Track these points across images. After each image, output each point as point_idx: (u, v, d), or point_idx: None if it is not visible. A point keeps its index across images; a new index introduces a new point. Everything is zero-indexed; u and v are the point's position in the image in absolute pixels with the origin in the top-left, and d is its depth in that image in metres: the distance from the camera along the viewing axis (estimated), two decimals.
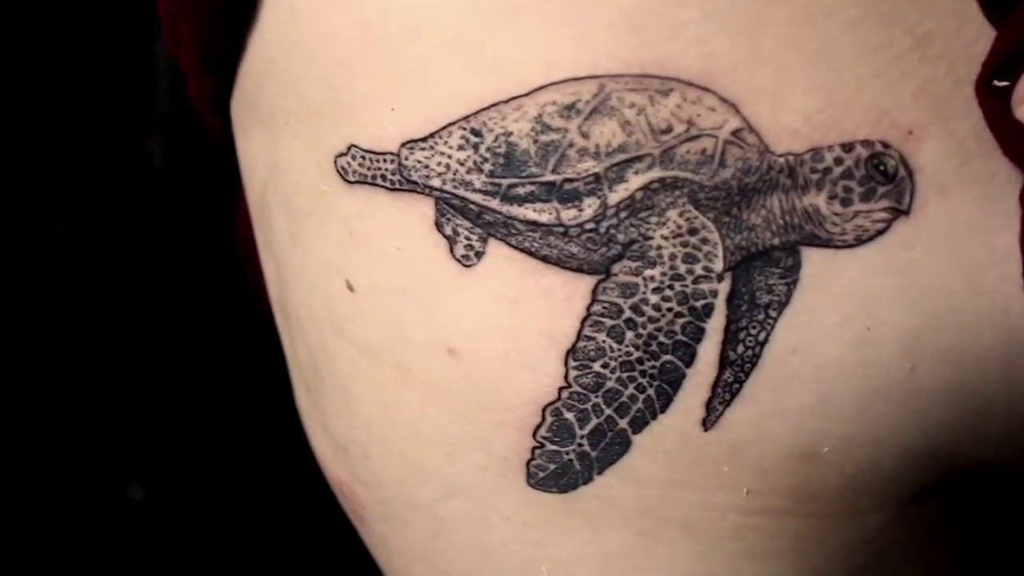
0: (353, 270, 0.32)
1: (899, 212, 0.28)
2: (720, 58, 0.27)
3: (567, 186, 0.28)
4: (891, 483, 0.33)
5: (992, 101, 0.28)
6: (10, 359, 1.05)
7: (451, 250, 0.30)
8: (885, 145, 0.28)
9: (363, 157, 0.30)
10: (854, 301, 0.29)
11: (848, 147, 0.28)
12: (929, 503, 0.34)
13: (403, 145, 0.29)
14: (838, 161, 0.28)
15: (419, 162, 0.29)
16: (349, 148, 0.30)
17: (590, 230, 0.28)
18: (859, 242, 0.29)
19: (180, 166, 0.83)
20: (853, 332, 0.29)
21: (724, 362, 0.29)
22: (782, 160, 0.28)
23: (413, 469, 0.34)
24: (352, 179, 0.30)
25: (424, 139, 0.29)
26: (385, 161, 0.29)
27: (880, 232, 0.29)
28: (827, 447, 0.31)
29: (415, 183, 0.29)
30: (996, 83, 0.28)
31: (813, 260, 0.29)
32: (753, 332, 0.29)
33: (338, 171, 0.31)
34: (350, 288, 0.32)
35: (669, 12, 0.27)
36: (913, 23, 0.28)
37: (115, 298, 1.16)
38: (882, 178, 0.28)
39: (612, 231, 0.28)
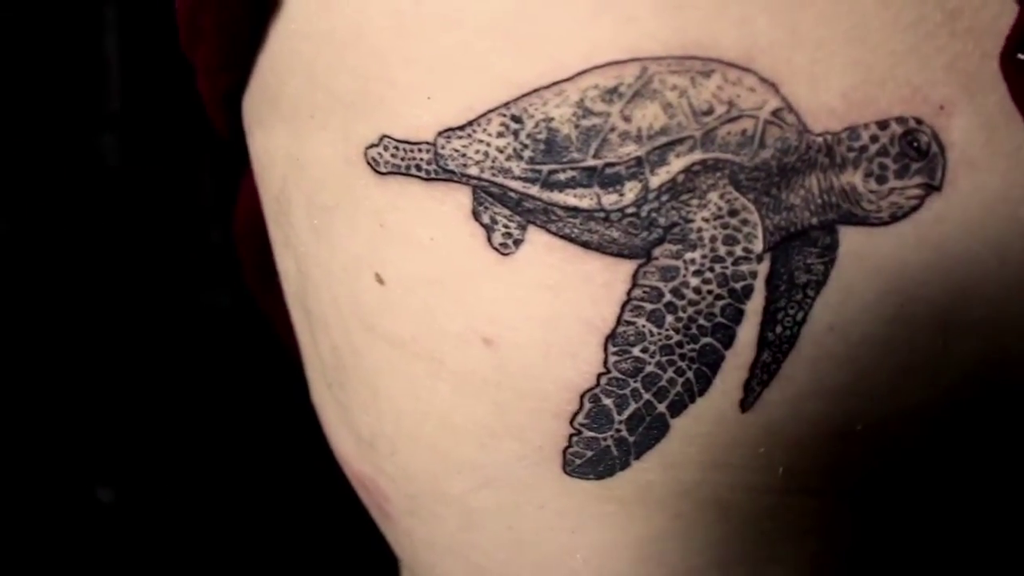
0: (384, 263, 0.31)
1: (932, 188, 0.29)
2: (760, 38, 0.27)
3: (609, 171, 0.28)
4: (919, 459, 0.33)
5: (1016, 74, 0.28)
6: None
7: (489, 239, 0.30)
8: (918, 121, 0.28)
9: (396, 147, 0.30)
10: (888, 278, 0.29)
11: (883, 124, 0.28)
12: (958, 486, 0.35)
13: (440, 134, 0.29)
14: (874, 139, 0.28)
15: (456, 151, 0.29)
16: (381, 139, 0.30)
17: (631, 214, 0.28)
18: (894, 219, 0.29)
19: (134, 164, 0.81)
20: (888, 309, 0.30)
21: (762, 343, 0.30)
22: (820, 139, 0.28)
23: (444, 461, 0.34)
24: (384, 170, 0.30)
25: (462, 127, 0.29)
26: (420, 151, 0.29)
27: (914, 208, 0.29)
28: (861, 425, 0.31)
29: (452, 172, 0.29)
30: (1020, 56, 0.28)
31: (850, 238, 0.29)
32: (791, 312, 0.29)
33: (368, 162, 0.30)
34: (380, 281, 0.32)
35: None
36: None
37: (77, 297, 1.14)
38: (915, 154, 0.28)
39: (653, 214, 0.28)
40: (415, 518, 0.37)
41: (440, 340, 0.32)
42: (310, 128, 0.32)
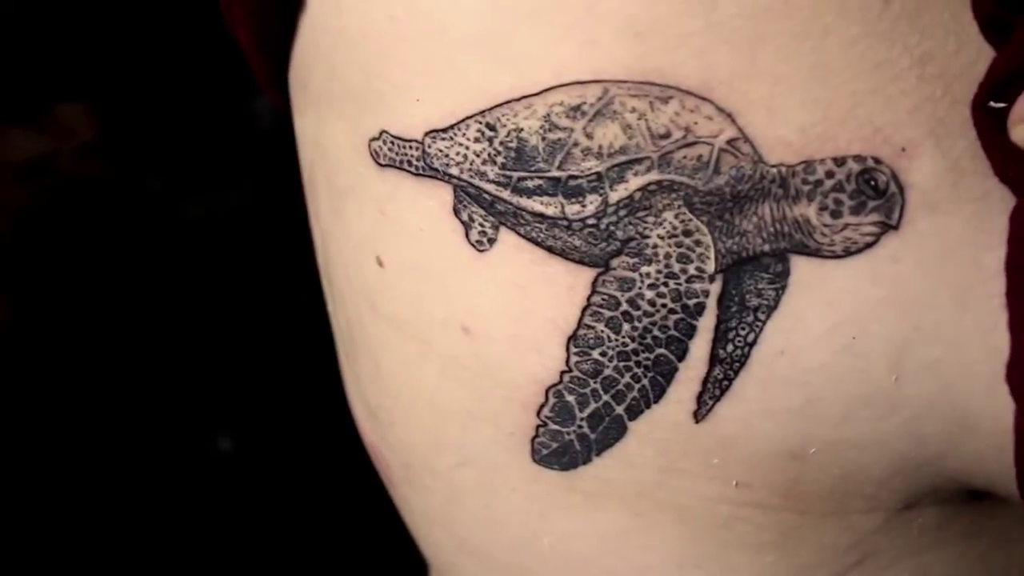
0: (383, 247, 0.34)
1: (888, 227, 0.30)
2: (719, 69, 0.29)
3: (572, 182, 0.30)
4: (881, 488, 0.34)
5: (987, 121, 0.29)
6: (104, 312, 1.10)
7: (467, 235, 0.32)
8: (877, 161, 0.29)
9: (392, 142, 0.32)
10: (841, 310, 0.30)
11: (840, 161, 0.29)
12: (923, 509, 0.36)
13: (427, 134, 0.31)
14: (829, 174, 0.29)
15: (440, 151, 0.31)
16: (381, 133, 0.32)
17: (591, 225, 0.30)
18: (847, 253, 0.30)
19: (288, 129, 0.86)
20: (839, 340, 0.31)
21: (714, 359, 0.31)
22: (775, 170, 0.29)
23: (432, 437, 0.36)
24: (383, 162, 0.33)
25: (445, 130, 0.31)
26: (411, 148, 0.32)
27: (869, 245, 0.30)
28: (814, 448, 0.32)
29: (436, 170, 0.32)
30: (992, 104, 0.29)
31: (802, 268, 0.30)
32: (742, 333, 0.31)
33: (371, 154, 0.33)
34: (380, 264, 0.34)
35: (673, 23, 0.28)
36: (912, 43, 0.29)
37: (210, 255, 1.20)
38: (872, 193, 0.29)
39: (612, 227, 0.30)
40: (410, 487, 0.39)
41: (428, 324, 0.34)
42: (330, 117, 0.35)
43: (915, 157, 0.29)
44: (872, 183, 0.29)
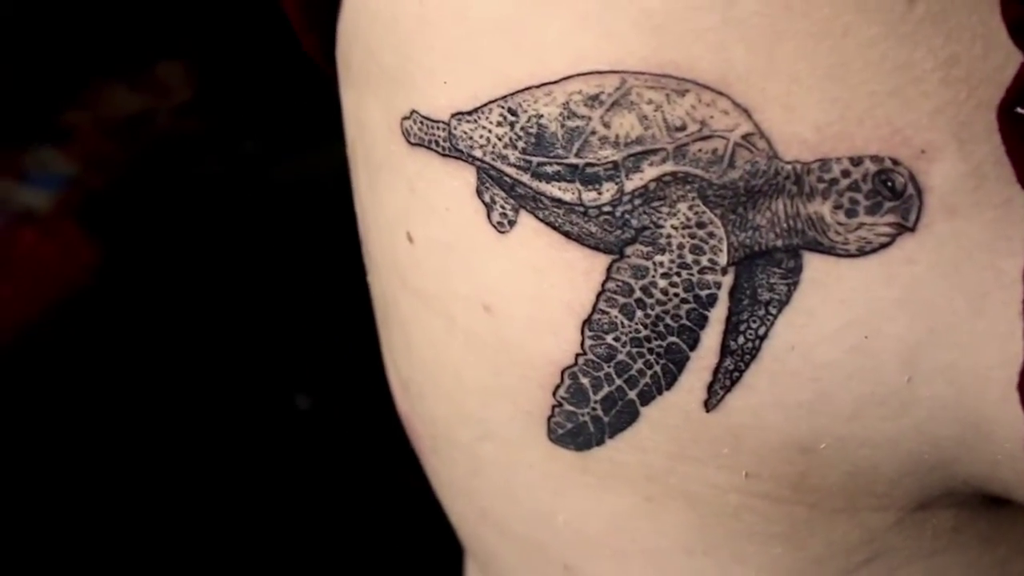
0: (413, 224, 0.35)
1: (904, 228, 0.30)
2: (736, 65, 0.29)
3: (589, 170, 0.31)
4: (893, 487, 0.34)
5: (1013, 127, 0.29)
6: (189, 268, 1.13)
7: (488, 216, 0.33)
8: (895, 162, 0.29)
9: (422, 122, 0.33)
10: (853, 308, 0.31)
11: (857, 160, 0.29)
12: (937, 510, 0.35)
13: (453, 116, 0.32)
14: (845, 173, 0.29)
15: (465, 133, 0.32)
16: (411, 113, 0.33)
17: (607, 212, 0.31)
18: (861, 253, 0.30)
19: None
20: (851, 338, 0.31)
21: (725, 350, 0.32)
22: (790, 167, 0.29)
23: (456, 411, 0.37)
24: (413, 141, 0.34)
25: (470, 113, 0.32)
26: (438, 128, 0.33)
27: (884, 245, 0.30)
28: (824, 443, 0.33)
29: (461, 152, 0.32)
30: (1019, 110, 0.29)
31: (815, 265, 0.30)
32: (753, 326, 0.31)
33: (403, 133, 0.34)
34: (410, 240, 0.35)
35: (690, 17, 0.29)
36: (937, 45, 0.29)
37: (297, 216, 1.22)
38: (889, 193, 0.29)
39: (627, 215, 0.31)
40: (437, 458, 0.41)
41: (453, 301, 0.35)
42: (367, 94, 0.36)
43: (935, 160, 0.29)
44: (889, 184, 0.29)
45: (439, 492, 0.43)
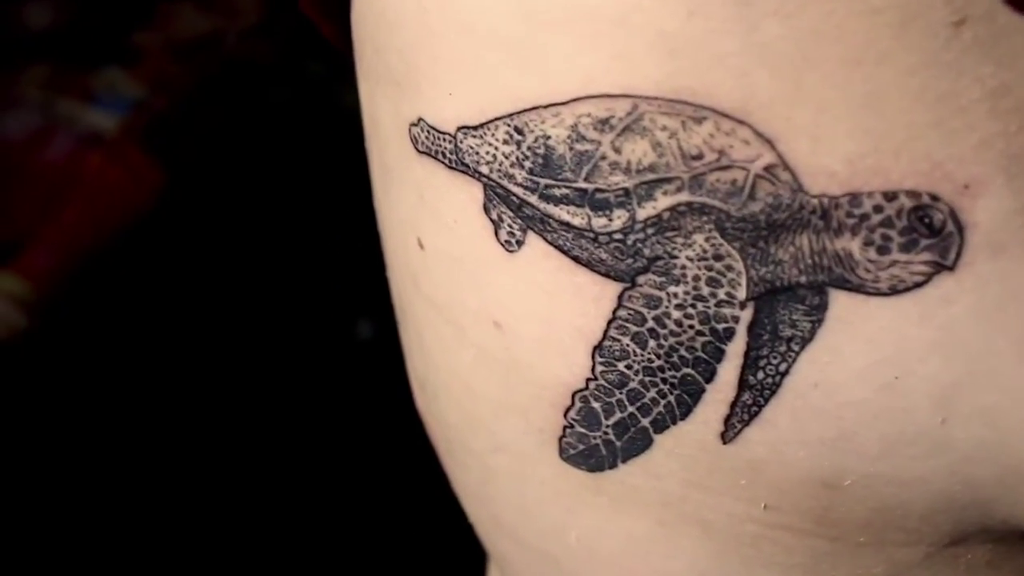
0: (423, 231, 0.33)
1: (942, 267, 0.27)
2: (759, 92, 0.26)
3: (599, 195, 0.29)
4: (924, 523, 0.32)
5: None
6: (254, 193, 1.12)
7: (496, 234, 0.31)
8: (934, 198, 0.27)
9: (429, 132, 0.31)
10: (882, 348, 0.28)
11: (891, 196, 0.27)
12: (972, 546, 0.34)
13: (459, 129, 0.30)
14: (878, 209, 0.27)
15: (471, 148, 0.30)
16: (419, 120, 0.31)
17: (618, 240, 0.29)
18: (894, 292, 0.28)
19: None
20: (879, 378, 0.29)
21: (744, 384, 0.30)
22: (816, 201, 0.27)
23: (468, 419, 0.36)
24: (421, 149, 0.32)
25: (476, 127, 0.30)
26: (445, 140, 0.31)
27: (918, 284, 0.28)
28: (849, 480, 0.31)
29: (467, 166, 0.31)
30: None
31: (841, 302, 0.28)
32: (774, 362, 0.29)
33: (411, 139, 0.32)
34: (421, 246, 0.34)
35: (710, 41, 0.26)
36: (985, 74, 0.26)
37: (362, 140, 1.21)
38: (926, 231, 0.27)
39: (639, 244, 0.29)
40: (452, 461, 0.39)
41: (463, 312, 0.33)
42: (378, 93, 0.34)
43: (980, 195, 0.27)
44: (926, 220, 0.27)
45: (456, 493, 0.41)
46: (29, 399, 1.02)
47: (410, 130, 0.32)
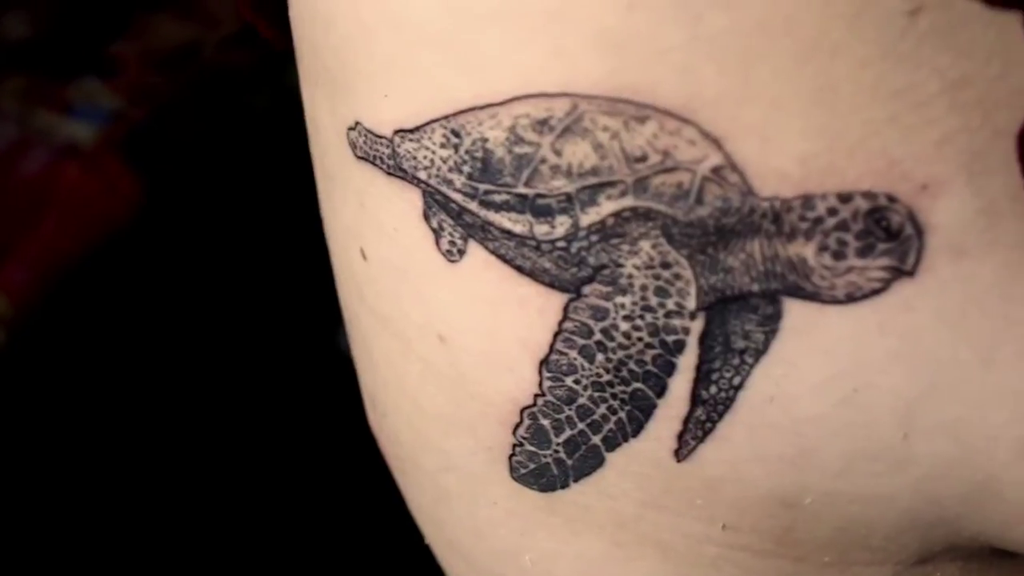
0: (366, 240, 0.32)
1: (901, 272, 0.26)
2: (705, 89, 0.25)
3: (540, 201, 0.27)
4: (889, 542, 0.31)
5: None
6: (234, 203, 1.11)
7: (437, 243, 0.29)
8: (891, 199, 0.25)
9: (366, 136, 0.30)
10: (840, 360, 0.27)
11: (846, 197, 0.25)
12: (941, 564, 0.32)
13: (396, 133, 0.29)
14: (832, 212, 0.25)
15: (408, 152, 0.29)
16: (356, 124, 0.30)
17: (562, 248, 0.27)
18: (850, 299, 0.26)
19: None
20: (838, 391, 0.27)
21: (696, 399, 0.28)
22: (767, 204, 0.26)
23: (418, 437, 0.35)
24: (359, 155, 0.30)
25: (413, 131, 0.28)
26: (382, 145, 0.29)
27: (876, 291, 0.26)
28: (810, 498, 0.29)
29: (405, 172, 0.29)
30: None
31: (796, 312, 0.27)
32: (727, 375, 0.28)
33: (349, 144, 0.31)
34: (364, 256, 0.32)
35: (652, 36, 0.25)
36: (943, 64, 0.25)
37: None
38: (883, 234, 0.25)
39: (583, 252, 0.27)
40: (405, 480, 0.38)
41: (408, 325, 0.32)
42: (318, 96, 0.32)
43: (940, 195, 0.25)
44: (883, 223, 0.25)
45: (412, 514, 0.40)
46: (6, 414, 1.00)
47: (348, 134, 0.30)
